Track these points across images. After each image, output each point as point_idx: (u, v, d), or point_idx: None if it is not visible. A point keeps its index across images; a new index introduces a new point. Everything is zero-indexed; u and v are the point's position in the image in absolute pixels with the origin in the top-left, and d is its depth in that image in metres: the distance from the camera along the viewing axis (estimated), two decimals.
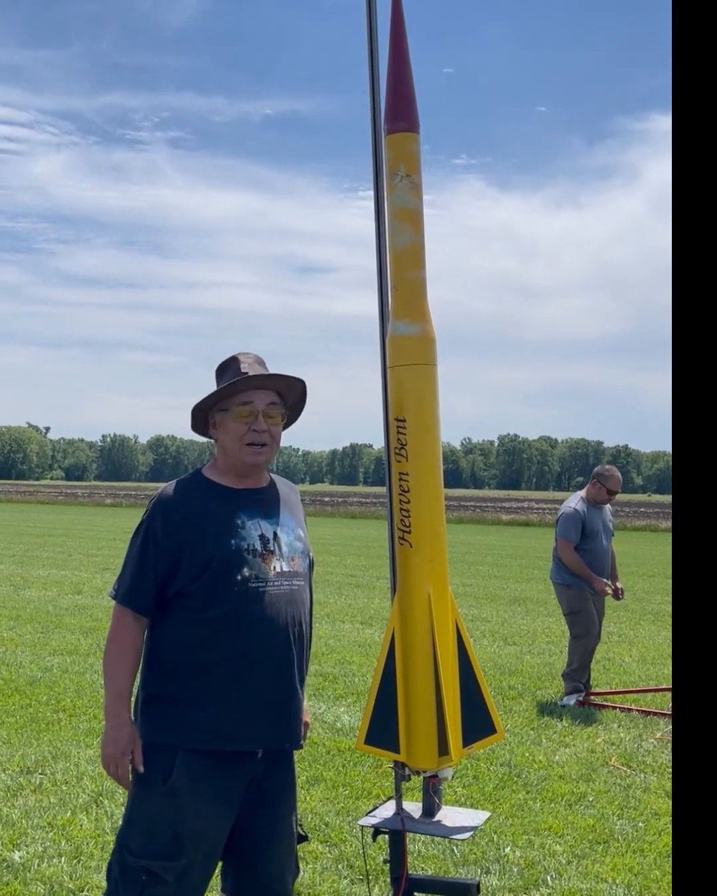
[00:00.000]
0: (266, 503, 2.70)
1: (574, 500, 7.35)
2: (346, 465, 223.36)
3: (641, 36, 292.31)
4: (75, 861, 4.06)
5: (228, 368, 2.73)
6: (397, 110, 2.94)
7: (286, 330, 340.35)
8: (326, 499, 56.04)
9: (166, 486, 2.67)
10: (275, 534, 2.65)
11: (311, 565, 2.78)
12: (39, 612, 11.05)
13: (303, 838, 2.78)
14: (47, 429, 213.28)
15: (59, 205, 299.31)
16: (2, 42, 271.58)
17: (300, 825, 2.78)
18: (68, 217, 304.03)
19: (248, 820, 2.60)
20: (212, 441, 2.76)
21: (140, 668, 2.64)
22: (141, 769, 2.55)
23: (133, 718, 2.61)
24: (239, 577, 2.54)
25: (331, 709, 6.78)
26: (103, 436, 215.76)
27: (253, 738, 2.55)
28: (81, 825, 4.45)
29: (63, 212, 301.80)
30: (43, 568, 16.05)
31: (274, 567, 2.61)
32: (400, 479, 2.90)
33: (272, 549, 2.62)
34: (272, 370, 2.73)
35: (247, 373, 2.66)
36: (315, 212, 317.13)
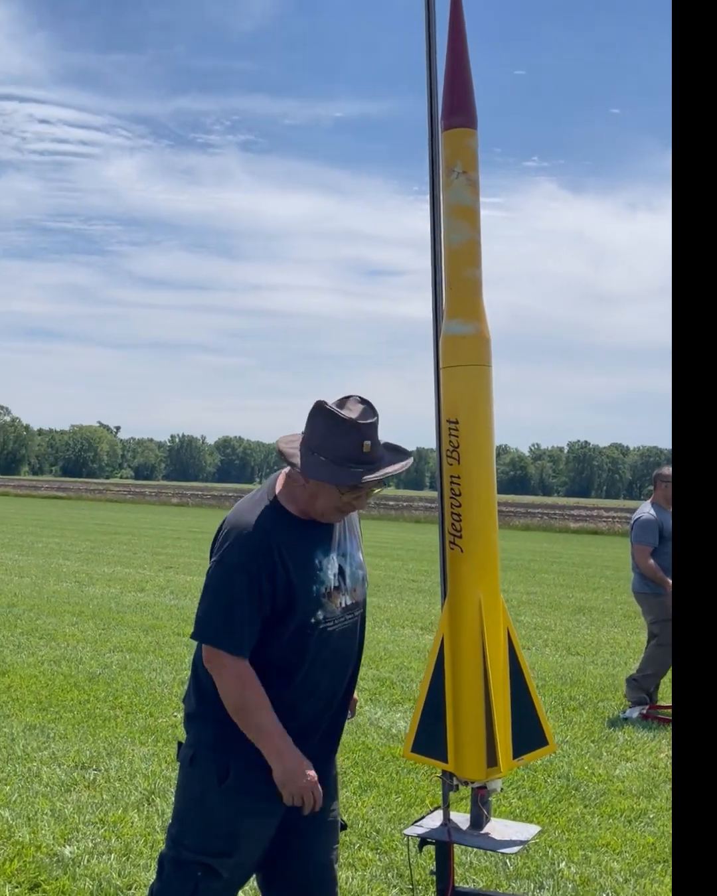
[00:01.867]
0: (337, 535, 2.65)
1: (646, 507, 7.23)
2: (411, 470, 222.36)
3: None
4: (124, 859, 4.07)
5: (337, 426, 2.46)
6: (454, 105, 2.87)
7: (353, 333, 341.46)
8: (391, 503, 55.93)
9: (261, 524, 2.49)
10: (340, 568, 2.61)
11: (364, 579, 2.74)
12: (102, 608, 11.20)
13: (343, 826, 2.81)
14: (118, 428, 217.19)
15: (132, 207, 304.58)
16: (79, 47, 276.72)
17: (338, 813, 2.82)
18: (140, 220, 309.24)
19: (295, 812, 2.59)
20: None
21: (197, 681, 2.62)
22: (319, 794, 2.54)
23: (188, 722, 2.65)
24: (313, 620, 2.52)
25: (387, 714, 6.72)
26: (172, 436, 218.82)
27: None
28: (132, 823, 4.47)
29: (135, 214, 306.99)
30: (108, 565, 16.29)
31: (340, 603, 2.59)
32: (452, 483, 2.83)
33: (338, 584, 2.60)
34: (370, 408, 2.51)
35: (367, 454, 2.48)
36: (383, 214, 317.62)
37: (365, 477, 2.48)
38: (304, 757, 2.51)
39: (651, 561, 6.97)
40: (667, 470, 7.30)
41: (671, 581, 6.85)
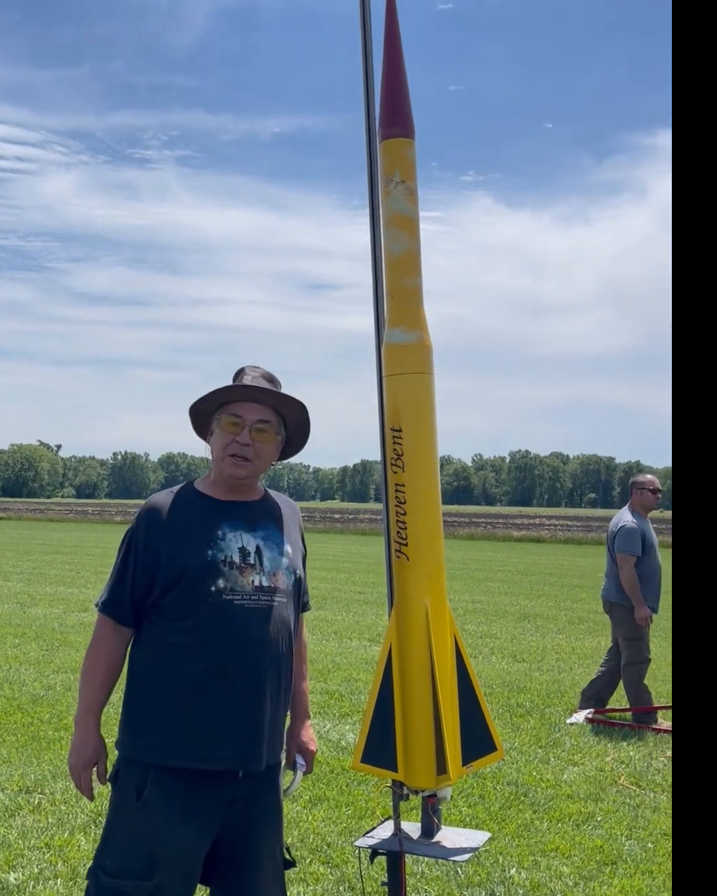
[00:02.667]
0: (253, 516, 2.62)
1: (626, 515, 7.08)
2: (357, 482, 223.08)
3: (646, 52, 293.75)
4: (71, 883, 3.98)
5: (235, 379, 2.70)
6: (391, 115, 2.90)
7: (296, 347, 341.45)
8: (337, 516, 55.86)
9: (154, 496, 2.63)
10: (257, 547, 2.57)
11: (297, 583, 2.67)
12: (45, 629, 10.99)
13: (290, 864, 2.68)
14: (59, 447, 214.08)
15: (70, 223, 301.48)
16: (13, 62, 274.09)
17: (287, 850, 2.68)
18: (78, 235, 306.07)
19: (231, 844, 2.52)
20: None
21: (128, 685, 2.58)
22: (104, 781, 2.56)
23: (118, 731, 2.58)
24: (213, 589, 2.47)
25: (336, 727, 6.69)
26: (114, 453, 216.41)
27: (222, 756, 2.46)
28: (79, 846, 4.37)
29: (73, 230, 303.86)
30: (50, 585, 15.99)
31: (252, 581, 2.53)
32: (397, 491, 2.84)
33: (252, 562, 2.54)
34: (283, 391, 2.66)
35: (241, 382, 2.62)
36: (324, 229, 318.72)
37: (232, 386, 2.60)
38: (98, 739, 2.55)
39: (633, 572, 6.85)
40: (643, 477, 7.22)
41: (642, 601, 6.83)
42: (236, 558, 2.52)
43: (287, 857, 2.67)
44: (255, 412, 2.57)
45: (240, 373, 2.69)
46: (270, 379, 2.69)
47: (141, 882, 2.41)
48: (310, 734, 2.78)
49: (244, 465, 2.57)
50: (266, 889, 2.57)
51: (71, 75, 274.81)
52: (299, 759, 2.76)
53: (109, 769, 2.58)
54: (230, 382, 2.68)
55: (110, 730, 2.55)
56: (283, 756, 2.69)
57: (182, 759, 2.44)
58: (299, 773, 2.74)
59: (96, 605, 2.60)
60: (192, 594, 2.47)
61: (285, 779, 2.72)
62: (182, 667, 2.46)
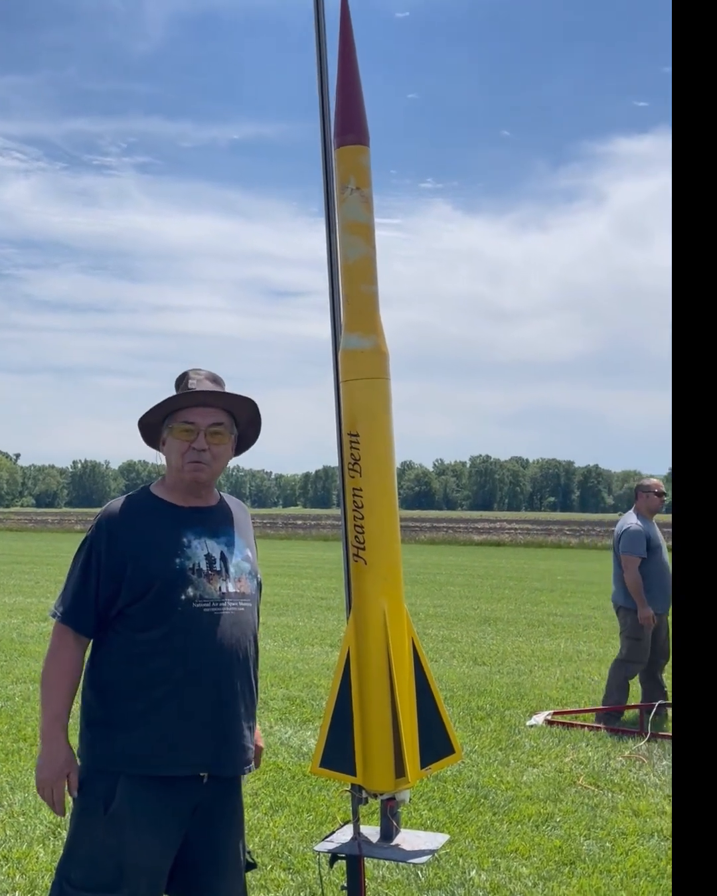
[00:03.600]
0: (214, 522, 2.63)
1: (631, 518, 7.17)
2: (319, 488, 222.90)
3: (603, 61, 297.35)
4: (30, 895, 3.94)
5: (179, 384, 2.69)
6: (346, 123, 2.92)
7: (258, 353, 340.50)
8: (299, 522, 55.66)
9: (112, 503, 2.61)
10: (222, 554, 2.58)
11: (259, 587, 2.71)
12: (3, 640, 10.84)
13: (251, 865, 2.69)
14: (17, 456, 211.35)
15: (28, 230, 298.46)
16: None
17: (248, 852, 2.70)
18: (37, 242, 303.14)
19: (193, 848, 2.51)
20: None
21: (81, 690, 2.56)
22: (75, 794, 2.48)
23: (79, 742, 2.53)
24: (183, 597, 2.47)
25: (297, 733, 6.68)
26: (74, 462, 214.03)
27: (195, 762, 2.47)
28: (38, 858, 4.33)
29: (32, 237, 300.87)
30: (9, 595, 15.79)
31: (220, 588, 2.54)
32: (354, 495, 2.86)
33: (218, 569, 2.55)
34: (231, 391, 2.67)
35: (190, 389, 2.62)
36: (285, 236, 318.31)
37: (190, 389, 2.61)
38: (68, 750, 2.48)
39: (638, 575, 6.93)
40: (648, 481, 7.31)
41: (645, 602, 6.92)
42: (204, 566, 2.53)
43: (249, 859, 2.69)
44: (207, 416, 2.58)
45: (184, 378, 2.67)
46: (215, 379, 2.69)
47: (109, 894, 2.39)
48: (257, 732, 2.78)
49: (204, 470, 2.58)
50: (228, 892, 2.58)
51: (27, 82, 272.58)
52: None
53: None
54: (176, 386, 2.68)
55: (71, 738, 2.52)
56: None
57: (155, 767, 2.43)
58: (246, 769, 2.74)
59: (53, 615, 2.55)
60: (161, 603, 2.45)
61: None
62: (152, 675, 2.44)
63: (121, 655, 2.48)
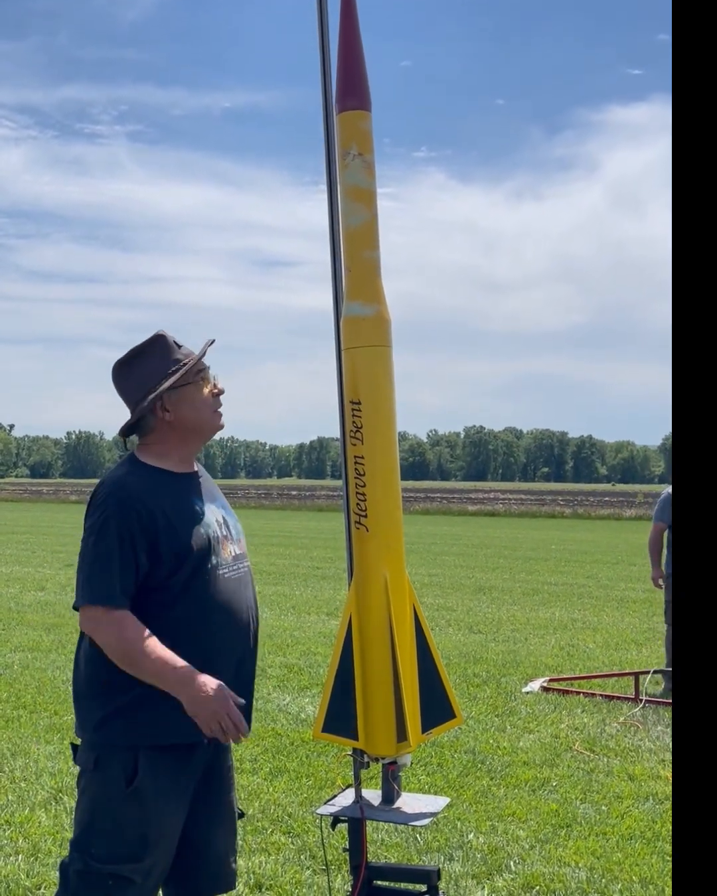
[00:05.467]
0: (206, 487, 2.66)
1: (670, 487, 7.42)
2: (313, 459, 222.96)
3: (596, 29, 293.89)
4: (33, 858, 3.99)
5: (155, 347, 2.60)
6: (348, 88, 2.88)
7: (251, 324, 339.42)
8: (294, 492, 55.77)
9: (119, 480, 2.50)
10: (223, 518, 2.63)
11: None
12: (1, 608, 10.90)
13: (241, 814, 2.76)
14: (11, 427, 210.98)
15: (19, 199, 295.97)
16: None
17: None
18: (28, 212, 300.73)
19: (195, 805, 2.55)
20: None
21: (89, 671, 2.51)
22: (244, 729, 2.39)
23: (82, 725, 2.49)
24: (209, 566, 2.49)
25: (295, 700, 6.74)
26: (68, 433, 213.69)
27: None
28: (40, 822, 4.38)
29: (22, 207, 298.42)
30: (5, 565, 15.85)
31: (231, 551, 2.59)
32: (356, 463, 2.86)
33: (225, 533, 2.59)
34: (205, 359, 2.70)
35: (180, 345, 2.62)
36: (277, 205, 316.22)
37: (176, 344, 2.60)
38: (214, 678, 2.37)
39: (656, 538, 7.27)
40: None
41: (654, 565, 7.28)
42: (220, 532, 2.56)
43: (239, 810, 2.76)
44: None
45: (159, 339, 2.61)
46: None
47: (137, 864, 2.40)
48: None
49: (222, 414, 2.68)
50: (227, 843, 2.67)
51: (16, 48, 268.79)
52: None
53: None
54: (150, 354, 2.61)
55: (69, 706, 2.53)
56: None
57: (182, 735, 2.42)
58: None
59: (97, 602, 2.39)
60: (195, 573, 2.46)
61: None
62: (181, 645, 2.41)
63: (152, 629, 2.40)
